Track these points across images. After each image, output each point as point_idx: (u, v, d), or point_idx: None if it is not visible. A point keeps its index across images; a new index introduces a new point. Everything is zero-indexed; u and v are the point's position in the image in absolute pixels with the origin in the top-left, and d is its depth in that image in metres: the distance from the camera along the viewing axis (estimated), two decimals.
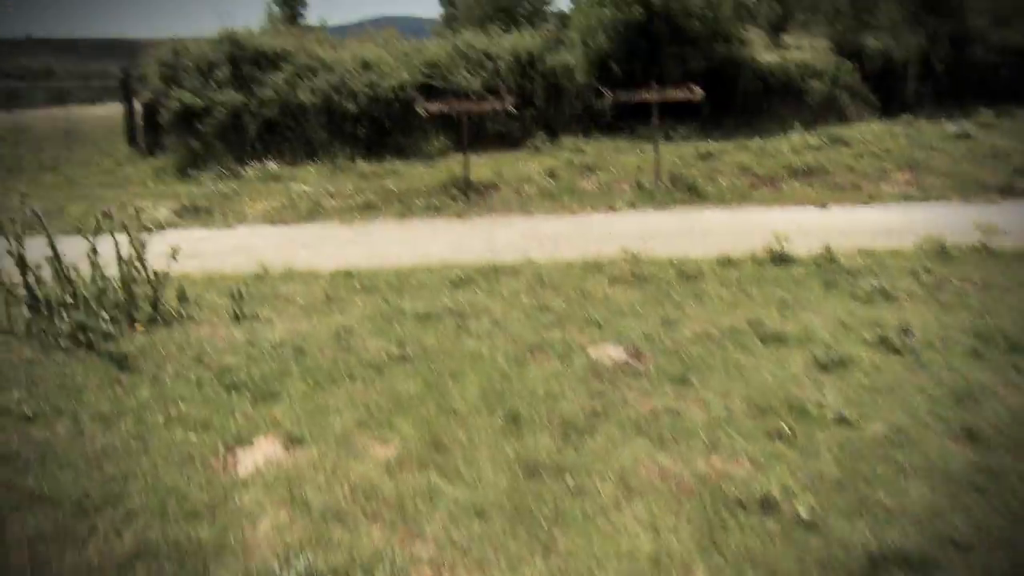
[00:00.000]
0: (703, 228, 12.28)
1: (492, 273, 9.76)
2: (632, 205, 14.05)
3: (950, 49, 25.64)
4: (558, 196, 15.19)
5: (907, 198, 14.64)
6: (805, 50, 26.42)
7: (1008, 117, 23.63)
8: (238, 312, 8.30)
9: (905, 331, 6.88)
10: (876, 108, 24.57)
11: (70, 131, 28.21)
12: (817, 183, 16.61)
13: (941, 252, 10.04)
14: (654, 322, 7.68)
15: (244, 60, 20.56)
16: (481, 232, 12.65)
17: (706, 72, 21.83)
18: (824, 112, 23.72)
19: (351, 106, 19.73)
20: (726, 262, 9.82)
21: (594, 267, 9.89)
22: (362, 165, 18.43)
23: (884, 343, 6.78)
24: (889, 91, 25.44)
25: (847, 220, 12.93)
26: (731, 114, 22.10)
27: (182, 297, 8.69)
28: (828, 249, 10.01)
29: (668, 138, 19.97)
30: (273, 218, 14.48)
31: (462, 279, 9.55)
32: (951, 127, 21.39)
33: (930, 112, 24.20)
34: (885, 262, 9.81)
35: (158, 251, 8.49)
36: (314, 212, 15.23)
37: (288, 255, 11.34)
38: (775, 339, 7.03)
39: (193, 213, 15.53)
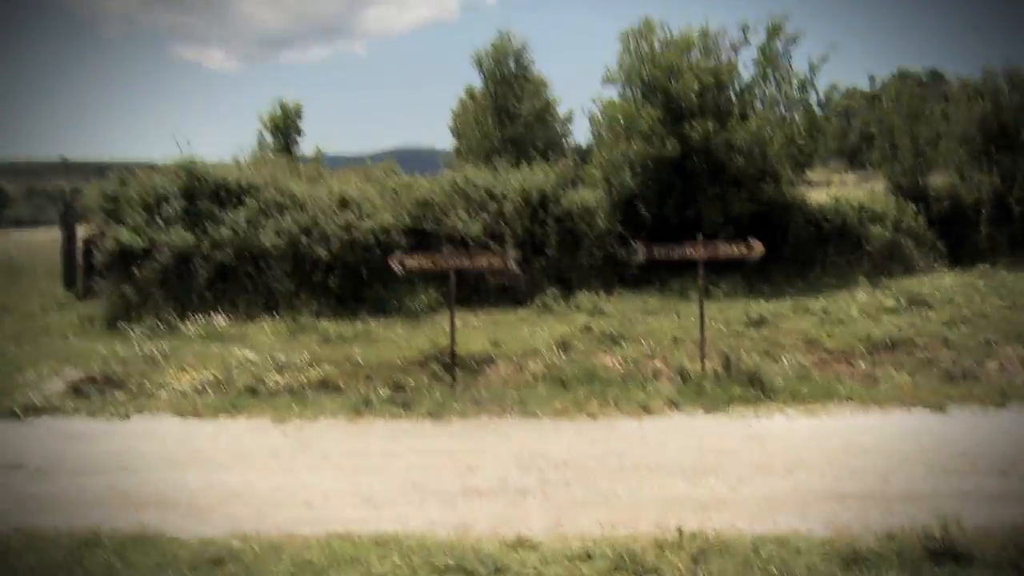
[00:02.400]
0: (785, 459, 8.37)
1: None
2: (673, 404, 10.19)
3: None
4: (572, 384, 11.40)
5: None
6: (860, 191, 22.95)
7: None
8: None
9: None
10: (944, 256, 21.01)
11: (9, 263, 24.68)
12: (908, 362, 12.90)
13: None
14: None
15: (201, 194, 17.28)
16: (459, 453, 8.78)
17: (751, 216, 18.42)
18: (886, 262, 20.17)
19: (322, 251, 16.28)
20: (852, 558, 5.86)
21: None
22: (327, 325, 14.80)
23: None
24: (958, 237, 21.88)
25: (992, 437, 9.02)
26: (780, 264, 18.48)
27: None
28: None
29: (707, 293, 16.38)
30: (186, 407, 10.67)
31: None
32: None
33: (1009, 261, 20.60)
34: None
35: None
36: (250, 393, 11.53)
37: (146, 493, 7.60)
38: None
39: (94, 387, 11.94)
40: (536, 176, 18.42)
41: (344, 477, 8.06)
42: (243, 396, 11.35)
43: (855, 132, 53.08)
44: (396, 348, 13.30)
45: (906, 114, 23.33)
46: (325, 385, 12.03)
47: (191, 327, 15.05)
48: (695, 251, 12.22)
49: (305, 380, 12.12)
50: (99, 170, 19.15)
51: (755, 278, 17.70)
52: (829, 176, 39.91)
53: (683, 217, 18.34)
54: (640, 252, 12.38)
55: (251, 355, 13.01)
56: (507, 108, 27.89)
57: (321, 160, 26.83)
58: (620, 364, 12.62)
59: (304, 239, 16.46)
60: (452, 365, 12.10)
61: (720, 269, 16.69)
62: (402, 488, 7.69)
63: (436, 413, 10.12)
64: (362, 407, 10.40)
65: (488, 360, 12.78)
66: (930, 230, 21.33)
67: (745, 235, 16.74)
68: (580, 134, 40.45)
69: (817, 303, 15.77)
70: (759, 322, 14.45)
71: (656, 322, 14.72)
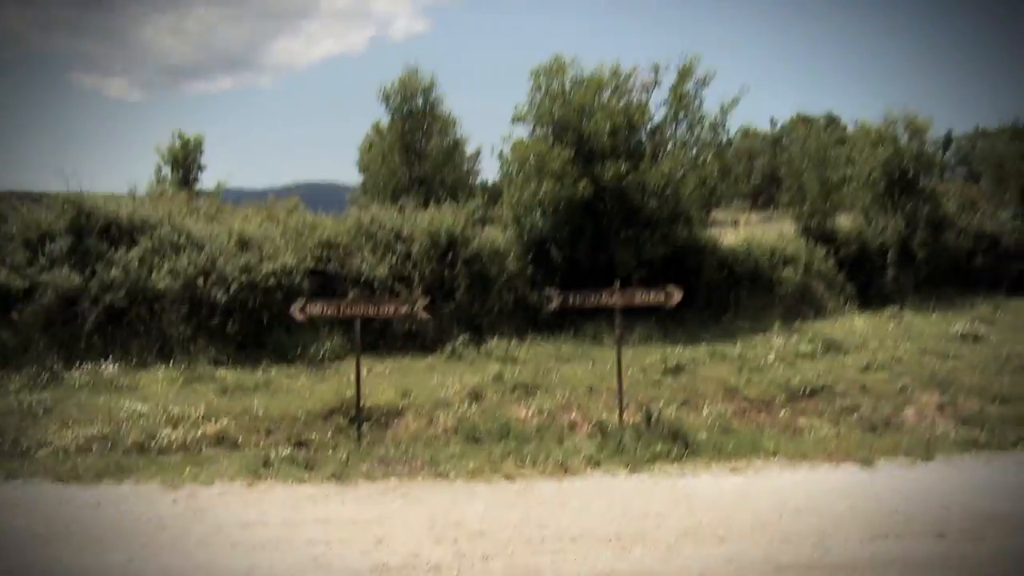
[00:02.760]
0: (716, 523, 7.87)
1: None
2: (594, 462, 9.64)
3: (929, 233, 22.43)
4: (485, 440, 10.78)
5: (971, 444, 10.51)
6: (769, 232, 22.95)
7: (1005, 311, 20.31)
8: None
9: None
10: (853, 298, 21.08)
11: None
12: (828, 411, 12.72)
13: None
14: None
15: (90, 231, 16.09)
16: (366, 522, 8.05)
17: (664, 259, 18.10)
18: (798, 304, 20.11)
19: (220, 294, 15.27)
20: None
21: None
22: (225, 374, 13.86)
23: None
24: (865, 279, 22.07)
25: (923, 495, 8.67)
26: (694, 308, 18.15)
27: None
28: None
29: (620, 337, 15.94)
30: (65, 471, 9.65)
31: None
32: (955, 325, 17.85)
33: (914, 303, 20.79)
34: None
35: None
36: (140, 451, 10.58)
37: None
38: None
39: None
40: (445, 216, 17.73)
41: (240, 554, 7.25)
42: (131, 455, 10.42)
43: (757, 172, 54.04)
44: (299, 399, 12.48)
45: (813, 157, 23.51)
46: (222, 440, 11.15)
47: (77, 376, 13.90)
48: (611, 299, 11.73)
49: (201, 435, 11.22)
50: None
51: (669, 322, 17.29)
52: (734, 215, 40.36)
53: (595, 259, 17.92)
54: (554, 299, 11.85)
55: (142, 407, 12.02)
56: (415, 145, 27.22)
57: (221, 195, 25.81)
58: (535, 416, 12.05)
59: (201, 281, 15.45)
60: (358, 419, 11.36)
61: (634, 313, 16.22)
62: (304, 566, 6.94)
63: (341, 475, 9.37)
64: (261, 469, 9.57)
65: (396, 413, 12.08)
66: (839, 273, 21.41)
67: (658, 278, 16.48)
68: (489, 172, 40.13)
69: (734, 349, 15.47)
70: (676, 369, 14.07)
71: (571, 370, 14.18)
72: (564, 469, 9.43)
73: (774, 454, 10.01)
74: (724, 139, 19.83)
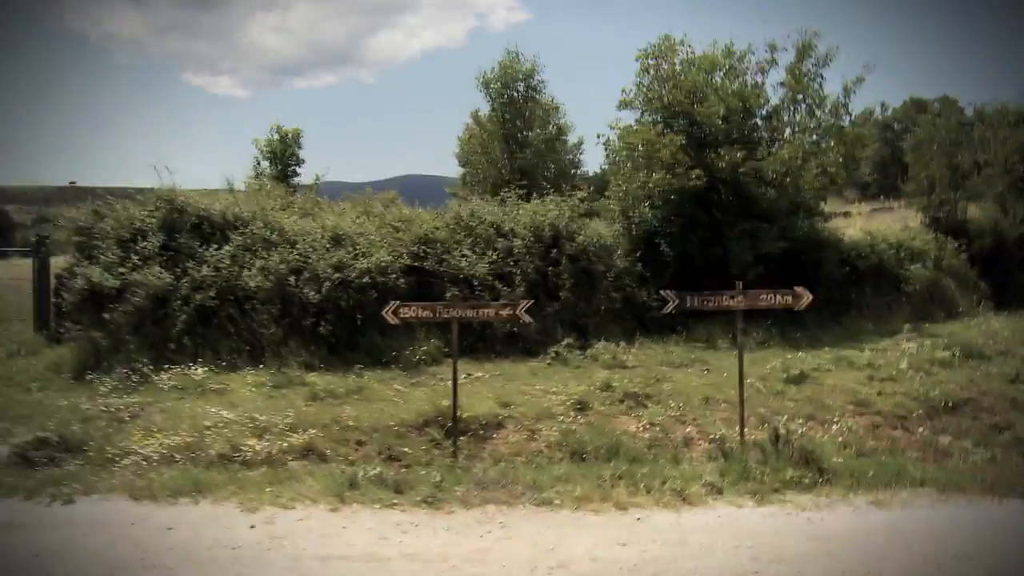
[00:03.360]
0: (865, 572, 6.76)
1: None
2: (715, 489, 8.58)
3: None
4: (593, 459, 9.84)
5: None
6: (891, 225, 21.35)
7: None
8: None
9: None
10: (987, 298, 19.45)
11: None
12: (974, 429, 11.55)
13: None
14: None
15: (182, 228, 15.61)
16: (459, 559, 7.16)
17: (782, 254, 16.82)
18: (927, 304, 18.63)
19: (312, 293, 14.62)
20: None
21: None
22: (316, 379, 13.18)
23: None
24: (1001, 277, 20.35)
25: None
26: (813, 307, 16.80)
27: None
28: None
29: (735, 341, 14.81)
30: (141, 488, 9.03)
31: None
32: None
33: None
34: None
35: None
36: (223, 463, 9.95)
37: None
38: None
39: (45, 453, 10.24)
40: (548, 209, 16.81)
41: None
42: (214, 467, 9.77)
43: (867, 160, 51.62)
44: (392, 408, 11.69)
45: (942, 141, 21.79)
46: (309, 453, 10.42)
47: (166, 378, 13.41)
48: (734, 301, 10.64)
49: (287, 447, 10.53)
50: (106, 197, 17.30)
51: (787, 323, 16.11)
52: (844, 206, 38.38)
53: (708, 255, 16.80)
54: (671, 301, 10.78)
55: (228, 414, 11.38)
56: (515, 134, 26.18)
57: (318, 189, 25.26)
58: (646, 430, 11.05)
59: (293, 279, 14.82)
60: (454, 433, 10.52)
61: (749, 312, 15.10)
62: None
63: (434, 500, 8.50)
64: (347, 491, 8.77)
65: (496, 425, 11.20)
66: (972, 269, 19.82)
67: (775, 274, 15.32)
68: (592, 163, 38.72)
69: (861, 354, 14.23)
70: (799, 378, 12.91)
71: (684, 377, 13.14)
72: (682, 498, 8.39)
73: (922, 483, 8.79)
74: (848, 123, 18.34)
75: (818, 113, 17.93)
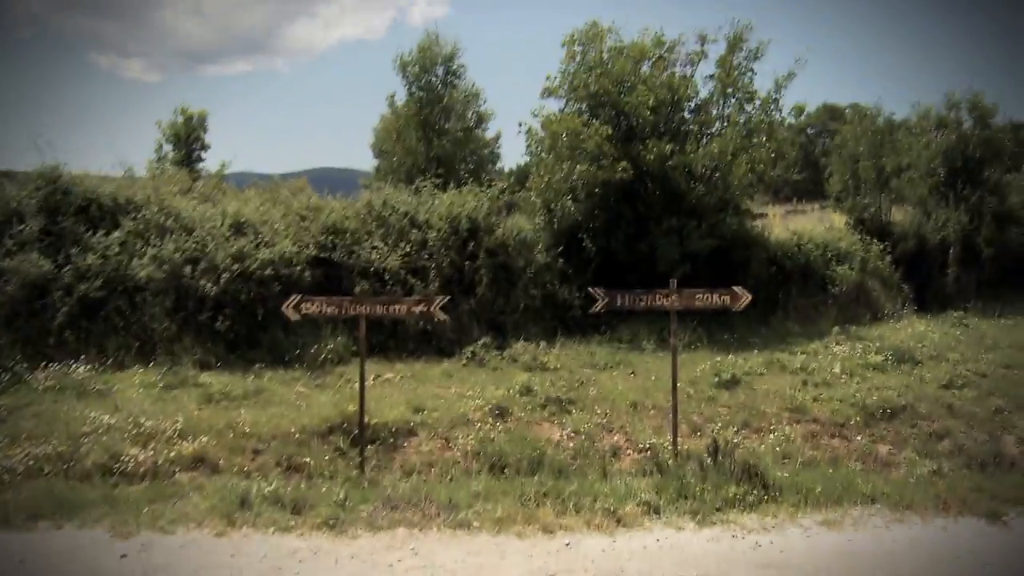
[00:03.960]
0: None
1: None
2: (652, 509, 7.70)
3: (995, 229, 20.40)
4: (513, 472, 8.92)
5: None
6: (813, 228, 20.84)
7: None
8: None
9: None
10: (909, 301, 19.12)
11: None
12: (914, 437, 10.90)
13: None
14: None
15: (65, 211, 14.24)
16: None
17: (710, 252, 16.16)
18: (852, 305, 18.19)
19: (210, 286, 13.43)
20: None
21: None
22: (212, 379, 12.03)
23: None
24: (923, 279, 20.07)
25: None
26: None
27: None
28: None
29: (661, 342, 14.10)
30: None
31: None
32: None
33: (978, 307, 18.83)
34: None
35: None
36: (101, 475, 8.78)
37: None
38: None
39: None
40: (466, 200, 15.86)
41: None
42: (87, 482, 8.61)
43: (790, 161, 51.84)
44: (294, 413, 10.61)
45: (872, 143, 21.43)
46: (200, 463, 9.34)
47: (42, 377, 12.05)
48: (668, 301, 9.81)
49: (174, 456, 9.37)
50: None
51: (714, 325, 15.44)
52: (759, 208, 38.11)
53: (634, 252, 16.05)
54: (599, 300, 9.90)
55: (110, 419, 10.12)
56: (433, 122, 24.96)
57: (222, 175, 23.90)
58: (570, 439, 10.18)
59: (188, 270, 13.60)
60: (361, 439, 9.50)
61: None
62: None
63: (336, 521, 7.46)
64: (237, 509, 7.68)
65: (407, 432, 10.21)
66: (895, 272, 19.47)
67: (701, 274, 14.65)
68: (512, 159, 37.51)
69: (793, 358, 13.62)
70: (731, 383, 12.19)
71: (609, 381, 12.31)
72: (616, 518, 7.50)
73: (872, 500, 8.07)
74: (778, 118, 17.73)
75: (748, 108, 17.29)
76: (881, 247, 19.39)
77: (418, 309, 9.85)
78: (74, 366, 12.23)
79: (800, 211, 34.78)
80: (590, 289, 10.15)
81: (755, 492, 8.00)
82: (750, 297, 9.87)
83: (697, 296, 9.92)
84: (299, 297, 9.76)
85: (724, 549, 6.96)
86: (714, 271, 15.41)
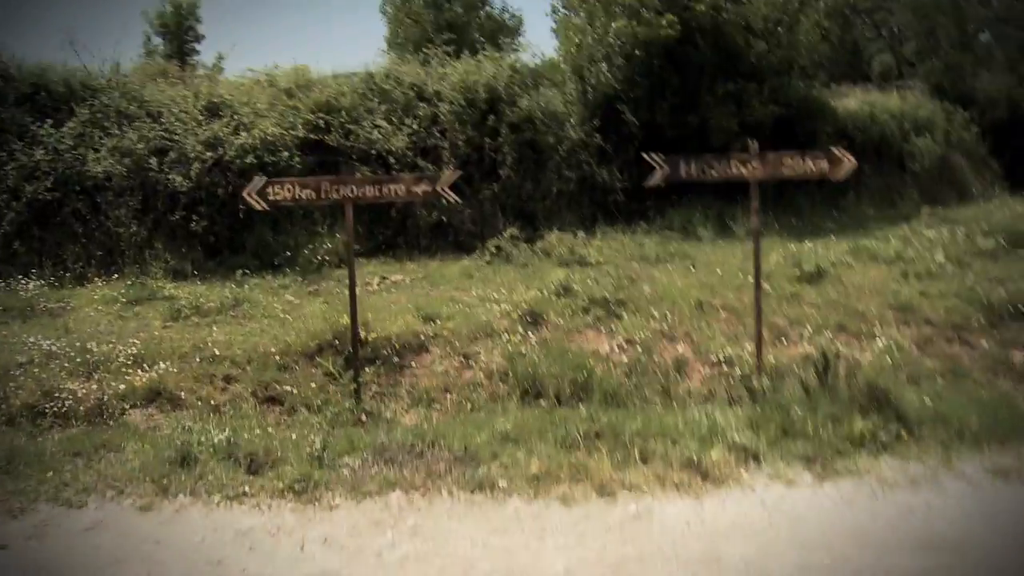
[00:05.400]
0: None
1: None
2: (748, 455, 5.49)
3: None
4: (551, 402, 6.78)
5: None
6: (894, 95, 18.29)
7: None
8: None
9: None
10: (999, 178, 16.79)
11: None
12: None
13: None
14: None
15: (7, 99, 12.38)
16: None
17: (772, 123, 13.84)
18: (935, 184, 15.85)
19: (181, 180, 11.43)
20: None
21: None
22: (182, 291, 10.03)
23: None
24: (1014, 153, 17.61)
25: None
26: (804, 188, 14.03)
27: None
28: None
29: (726, 230, 12.00)
30: None
31: None
32: None
33: None
34: None
35: None
36: (25, 417, 6.79)
37: None
38: None
39: None
40: (484, 69, 13.92)
41: None
42: (11, 428, 6.67)
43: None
44: (278, 328, 8.66)
45: None
46: (158, 395, 7.38)
47: None
48: (748, 168, 7.52)
49: (123, 389, 7.33)
50: None
51: (779, 207, 13.26)
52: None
53: (682, 125, 14.06)
54: (660, 169, 7.55)
55: (52, 345, 8.07)
56: None
57: (218, 70, 21.70)
58: (622, 351, 8.01)
59: (155, 162, 11.65)
60: (356, 362, 7.39)
61: (730, 193, 12.23)
62: None
63: (306, 484, 5.34)
64: (175, 469, 5.56)
65: (417, 348, 8.15)
66: (983, 144, 17.09)
67: (764, 148, 12.45)
68: (536, 29, 34.35)
69: (884, 245, 11.35)
70: (816, 276, 9.95)
71: (664, 276, 10.16)
72: (700, 472, 5.30)
73: None
74: None
75: None
76: (966, 116, 16.90)
77: (420, 189, 7.53)
78: (23, 282, 10.34)
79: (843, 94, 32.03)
80: (645, 155, 7.76)
81: (888, 427, 5.77)
82: (854, 162, 7.52)
83: (785, 160, 7.61)
84: (264, 180, 7.53)
85: (863, 517, 4.77)
86: (776, 146, 13.13)
